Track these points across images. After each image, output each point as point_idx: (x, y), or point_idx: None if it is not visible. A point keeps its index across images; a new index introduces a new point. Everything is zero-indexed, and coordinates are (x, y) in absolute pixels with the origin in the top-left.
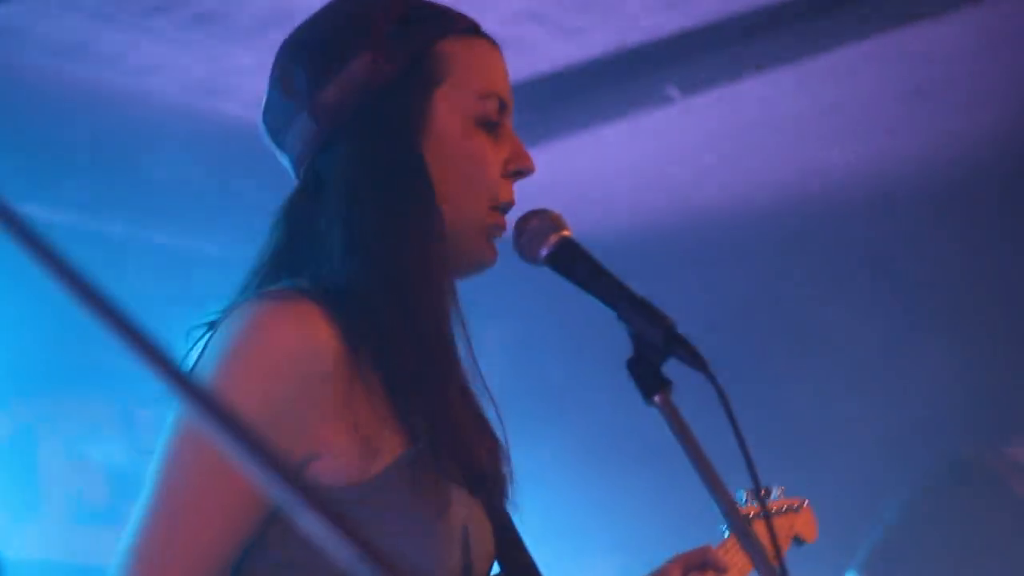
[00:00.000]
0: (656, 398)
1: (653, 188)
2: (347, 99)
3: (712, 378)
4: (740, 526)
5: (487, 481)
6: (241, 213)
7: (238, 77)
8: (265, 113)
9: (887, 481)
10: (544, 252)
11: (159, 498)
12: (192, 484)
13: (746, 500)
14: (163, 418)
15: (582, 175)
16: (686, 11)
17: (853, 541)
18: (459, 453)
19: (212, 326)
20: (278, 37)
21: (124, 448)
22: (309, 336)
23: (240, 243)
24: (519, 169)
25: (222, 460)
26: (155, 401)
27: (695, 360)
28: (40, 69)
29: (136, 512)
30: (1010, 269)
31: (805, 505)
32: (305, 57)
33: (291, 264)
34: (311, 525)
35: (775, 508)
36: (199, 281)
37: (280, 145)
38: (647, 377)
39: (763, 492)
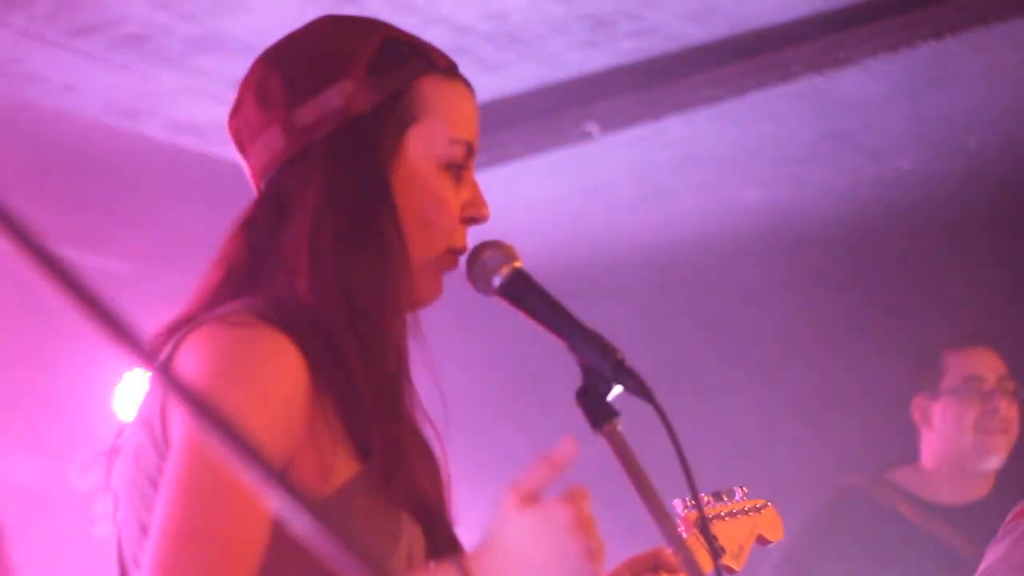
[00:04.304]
0: (604, 428)
1: (569, 222)
2: (323, 122)
3: (659, 407)
4: (683, 551)
5: (430, 508)
6: (152, 231)
7: (161, 100)
8: (233, 116)
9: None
10: (497, 282)
11: (184, 535)
12: (220, 516)
13: (689, 507)
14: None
15: (499, 208)
16: (607, 50)
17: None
18: (406, 481)
19: (169, 338)
20: (206, 62)
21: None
22: (287, 365)
23: (154, 262)
24: (475, 216)
25: (242, 487)
26: (62, 417)
27: (641, 389)
28: None
29: (155, 551)
30: (908, 303)
31: (768, 506)
32: (286, 71)
33: (246, 281)
34: (302, 527)
35: (737, 509)
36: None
37: (243, 152)
38: (595, 407)
39: (711, 497)
